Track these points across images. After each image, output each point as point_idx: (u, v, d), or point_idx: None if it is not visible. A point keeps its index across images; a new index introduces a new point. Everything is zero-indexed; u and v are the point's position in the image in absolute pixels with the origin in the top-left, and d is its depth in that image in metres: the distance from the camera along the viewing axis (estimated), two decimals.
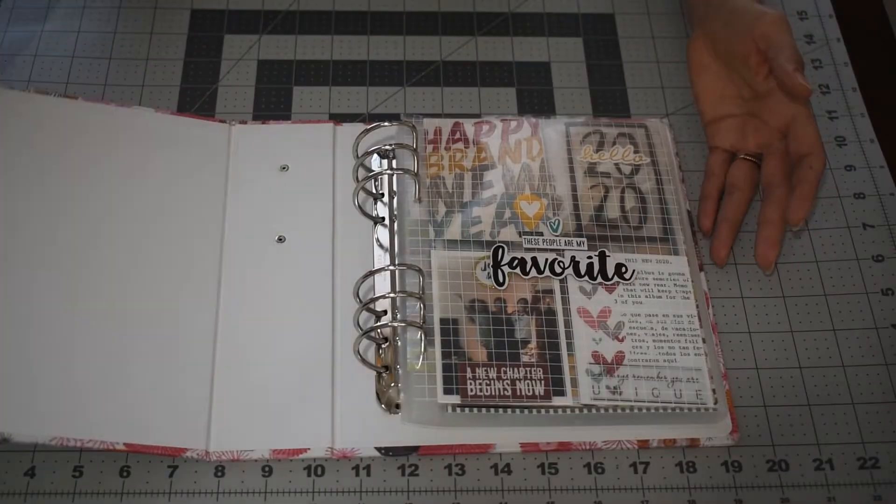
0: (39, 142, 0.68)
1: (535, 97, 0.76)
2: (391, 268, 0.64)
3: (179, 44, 0.78)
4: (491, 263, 0.65)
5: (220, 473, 0.60)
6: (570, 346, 0.62)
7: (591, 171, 0.70)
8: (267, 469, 0.60)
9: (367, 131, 0.68)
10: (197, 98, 0.75)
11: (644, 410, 0.60)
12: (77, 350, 0.61)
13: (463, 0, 0.82)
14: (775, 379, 0.64)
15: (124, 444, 0.58)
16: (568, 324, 0.63)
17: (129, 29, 0.79)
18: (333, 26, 0.80)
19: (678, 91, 0.77)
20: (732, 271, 0.68)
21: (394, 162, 0.70)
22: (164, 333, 0.62)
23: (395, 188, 0.69)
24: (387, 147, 0.69)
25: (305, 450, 0.59)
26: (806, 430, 0.62)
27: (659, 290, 0.65)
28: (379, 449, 0.60)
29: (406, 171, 0.68)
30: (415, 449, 0.60)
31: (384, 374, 0.62)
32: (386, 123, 0.69)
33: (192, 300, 0.64)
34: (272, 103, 0.75)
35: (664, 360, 0.62)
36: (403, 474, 0.60)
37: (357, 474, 0.60)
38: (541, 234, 0.66)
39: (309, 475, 0.60)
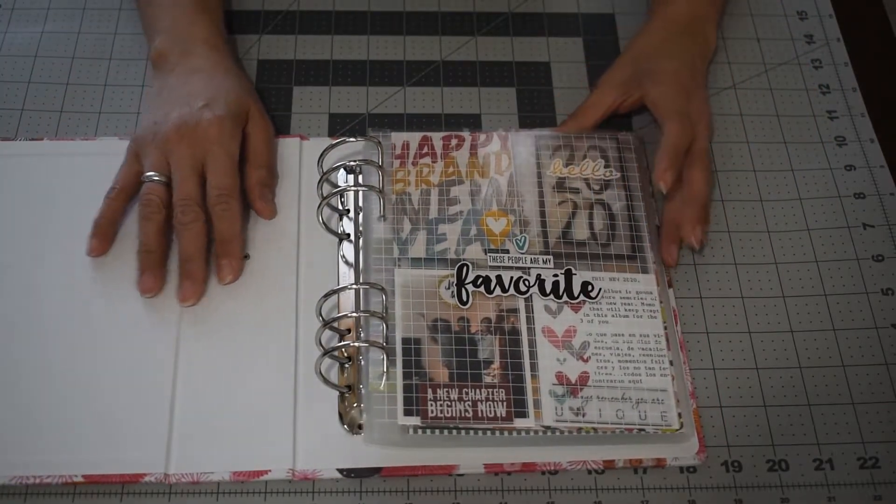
0: (7, 186, 0.69)
1: (535, 97, 0.76)
2: (353, 287, 0.62)
3: None
4: (455, 282, 0.64)
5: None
6: (533, 366, 0.61)
7: (560, 186, 0.69)
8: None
9: (332, 146, 0.67)
10: None
11: (608, 432, 0.59)
12: (33, 381, 0.61)
13: (463, 0, 0.82)
14: (775, 379, 0.64)
15: (83, 476, 0.58)
16: (532, 343, 0.62)
17: (128, 29, 0.79)
18: (333, 26, 0.80)
19: None
20: (732, 271, 0.68)
21: (360, 178, 0.69)
22: (123, 356, 0.62)
23: (360, 204, 0.68)
24: (352, 163, 0.68)
25: (266, 471, 0.59)
26: (806, 430, 0.62)
27: (626, 309, 0.64)
28: (341, 470, 0.59)
29: (370, 187, 0.67)
30: (377, 470, 0.59)
31: (347, 394, 0.61)
32: (352, 139, 0.68)
33: (154, 320, 0.63)
34: (272, 103, 0.75)
35: (629, 381, 0.61)
36: (404, 473, 0.60)
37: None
38: (506, 251, 0.65)
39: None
